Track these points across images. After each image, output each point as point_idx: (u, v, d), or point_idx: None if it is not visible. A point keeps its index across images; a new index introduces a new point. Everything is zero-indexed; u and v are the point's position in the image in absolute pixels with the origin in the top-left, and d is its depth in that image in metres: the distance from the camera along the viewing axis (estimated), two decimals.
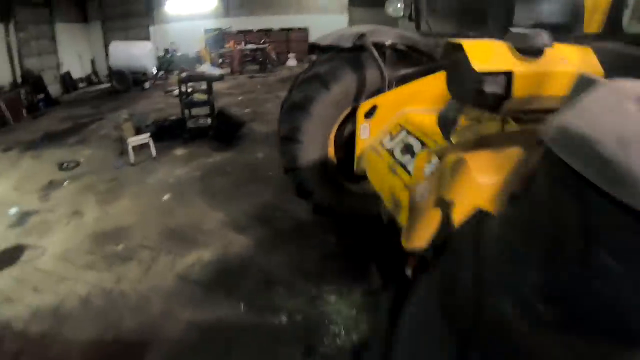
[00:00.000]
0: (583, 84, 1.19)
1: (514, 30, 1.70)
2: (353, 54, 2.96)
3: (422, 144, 2.26)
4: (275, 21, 16.08)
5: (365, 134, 2.58)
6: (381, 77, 2.82)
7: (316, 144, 3.23)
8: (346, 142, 3.28)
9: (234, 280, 3.31)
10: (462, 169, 1.95)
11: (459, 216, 2.03)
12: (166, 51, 15.97)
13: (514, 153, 2.09)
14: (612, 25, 2.19)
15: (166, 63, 15.45)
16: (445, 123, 1.89)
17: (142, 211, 4.55)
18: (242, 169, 5.55)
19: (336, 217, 3.54)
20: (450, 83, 1.79)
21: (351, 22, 14.34)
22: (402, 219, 2.13)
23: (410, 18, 3.46)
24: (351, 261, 3.43)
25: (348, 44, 2.90)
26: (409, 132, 2.41)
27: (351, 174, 3.28)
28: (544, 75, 1.68)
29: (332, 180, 3.41)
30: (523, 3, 2.61)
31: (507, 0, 2.65)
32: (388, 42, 2.94)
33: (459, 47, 1.62)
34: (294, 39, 16.12)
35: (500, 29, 2.73)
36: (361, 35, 2.86)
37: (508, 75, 1.62)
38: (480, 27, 2.98)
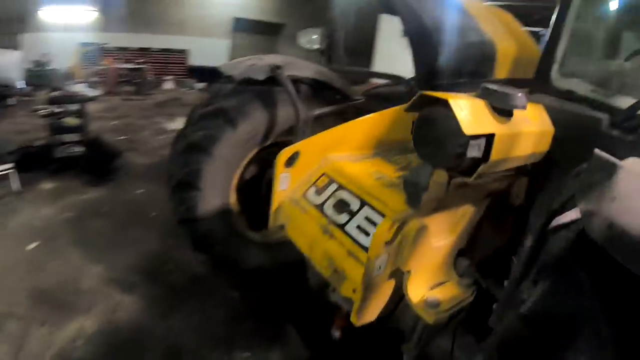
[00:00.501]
0: (600, 165, 1.05)
1: (489, 86, 1.54)
2: (264, 87, 2.60)
3: (362, 202, 1.99)
4: (155, 40, 14.80)
5: (285, 184, 2.22)
6: (296, 115, 2.52)
7: (217, 190, 2.77)
8: (251, 187, 2.88)
9: (130, 356, 2.65)
10: (423, 236, 1.74)
11: (412, 285, 1.81)
12: (36, 63, 13.37)
13: (465, 211, 1.97)
14: (542, 79, 2.25)
15: (36, 77, 12.92)
16: (416, 189, 1.64)
17: (3, 266, 3.51)
18: (122, 208, 4.74)
19: (241, 272, 3.06)
20: (422, 142, 1.55)
21: (234, 48, 13.90)
22: (346, 289, 1.82)
23: (322, 52, 3.24)
24: (263, 321, 3.00)
25: (261, 76, 2.53)
26: (341, 186, 2.12)
27: (257, 224, 2.89)
28: (515, 136, 1.56)
29: (235, 231, 2.95)
30: (446, 49, 2.59)
31: (432, 47, 2.60)
32: (304, 77, 2.66)
33: (441, 102, 1.39)
34: (172, 60, 14.97)
35: (424, 74, 2.69)
36: (276, 67, 2.51)
37: (489, 137, 1.45)
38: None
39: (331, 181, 2.19)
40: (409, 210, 1.74)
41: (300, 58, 2.76)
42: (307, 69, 2.70)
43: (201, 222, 2.76)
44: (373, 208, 1.95)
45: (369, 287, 1.70)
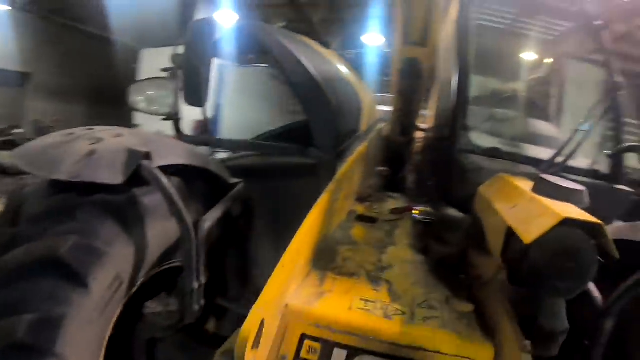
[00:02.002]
0: None
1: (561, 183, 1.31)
2: (115, 193, 1.34)
3: None
4: None
5: None
6: (182, 226, 1.41)
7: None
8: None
9: None
10: None
11: None
12: None
13: None
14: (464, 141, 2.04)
15: None
16: (555, 335, 1.24)
17: None
18: None
19: None
20: (556, 275, 1.13)
21: None
22: None
23: (172, 118, 1.99)
24: None
25: (118, 177, 1.27)
26: (353, 350, 1.29)
27: None
28: None
29: None
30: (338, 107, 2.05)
31: (326, 106, 2.00)
32: (174, 165, 1.53)
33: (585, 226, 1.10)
34: None
35: (330, 140, 2.05)
36: (143, 157, 1.32)
37: None
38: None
39: (328, 346, 1.30)
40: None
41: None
42: (178, 152, 1.58)
43: None
44: None
45: None
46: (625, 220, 1.89)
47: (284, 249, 2.15)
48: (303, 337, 1.32)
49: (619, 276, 1.25)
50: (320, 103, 2.04)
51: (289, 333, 1.32)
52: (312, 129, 2.05)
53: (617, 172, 1.99)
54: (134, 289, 1.43)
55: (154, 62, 11.03)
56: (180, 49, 2.29)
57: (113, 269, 1.28)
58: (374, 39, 10.34)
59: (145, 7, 9.39)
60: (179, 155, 1.59)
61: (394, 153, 3.21)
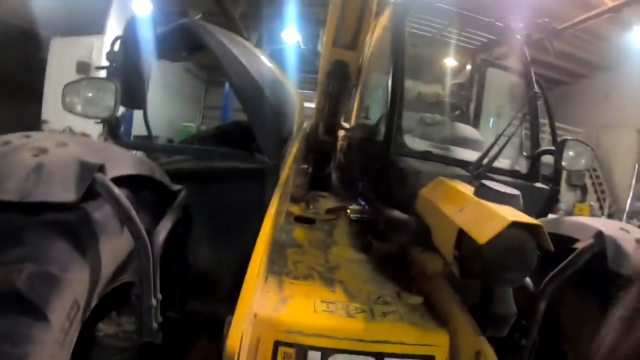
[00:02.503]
0: None
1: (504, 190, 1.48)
2: (69, 212, 1.21)
3: (380, 355, 1.38)
4: None
5: None
6: (139, 241, 1.34)
7: None
8: None
9: None
10: None
11: None
12: None
13: None
14: (398, 145, 2.15)
15: None
16: (507, 318, 1.46)
17: None
18: None
19: None
20: (504, 268, 1.30)
21: None
22: None
23: (108, 121, 1.78)
24: None
25: (71, 193, 1.15)
26: (326, 350, 1.36)
27: None
28: None
29: None
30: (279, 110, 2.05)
31: (268, 109, 2.00)
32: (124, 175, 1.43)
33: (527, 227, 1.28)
34: None
35: (273, 143, 2.05)
36: (97, 169, 1.22)
37: None
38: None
39: (302, 350, 1.36)
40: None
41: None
42: (127, 162, 1.47)
43: None
44: (398, 355, 1.43)
45: None
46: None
47: (226, 253, 2.15)
48: (277, 344, 1.35)
49: (546, 265, 1.47)
50: (263, 107, 2.05)
51: (263, 342, 1.34)
52: (256, 133, 2.04)
53: (534, 171, 2.26)
54: (88, 313, 1.33)
55: (63, 52, 9.93)
56: (106, 40, 2.11)
57: (70, 295, 1.15)
58: (291, 35, 10.38)
59: None
60: (129, 165, 1.50)
61: (318, 151, 3.28)
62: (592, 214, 12.17)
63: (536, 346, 1.50)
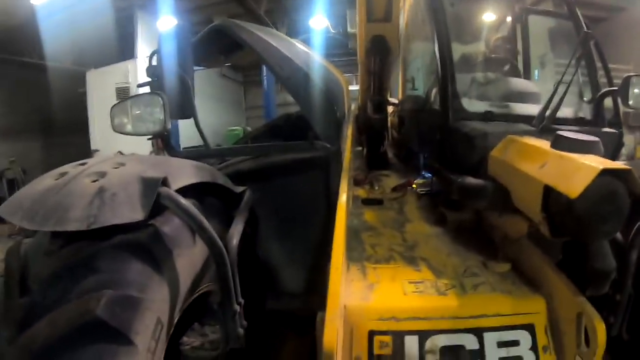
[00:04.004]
0: None
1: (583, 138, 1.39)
2: (138, 230, 1.21)
3: (475, 330, 1.34)
4: None
5: None
6: (214, 249, 1.32)
7: None
8: None
9: None
10: None
11: None
12: None
13: None
14: (456, 109, 2.06)
15: None
16: (607, 274, 1.35)
17: None
18: None
19: None
20: (599, 219, 1.23)
21: None
22: None
23: (160, 134, 1.82)
24: None
25: (138, 212, 1.14)
26: (423, 333, 1.31)
27: None
28: None
29: None
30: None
31: (318, 96, 1.96)
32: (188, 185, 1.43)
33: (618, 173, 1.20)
34: None
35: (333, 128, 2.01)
36: (161, 183, 1.21)
37: None
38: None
39: (399, 337, 1.30)
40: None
41: None
42: (188, 171, 1.47)
43: None
44: (497, 329, 1.35)
45: None
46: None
47: (296, 247, 2.13)
48: (371, 334, 1.31)
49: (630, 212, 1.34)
50: (315, 94, 2.01)
51: (356, 334, 1.31)
52: (312, 121, 2.01)
53: (599, 116, 2.11)
54: (172, 329, 1.32)
55: (100, 82, 10.43)
56: (139, 63, 2.13)
57: (153, 315, 1.14)
58: (319, 21, 10.28)
59: (81, 29, 8.89)
60: (190, 173, 1.49)
61: (370, 131, 3.21)
62: None
63: (632, 300, 1.40)
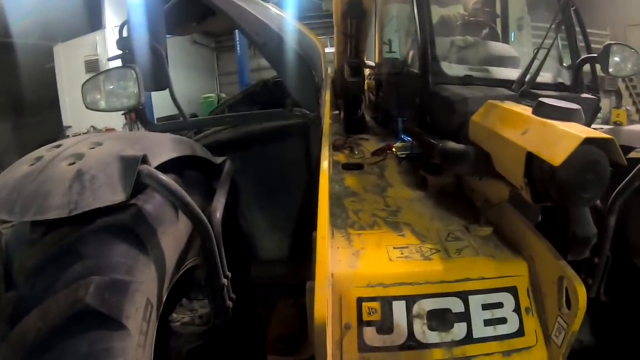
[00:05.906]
0: None
1: (557, 103, 1.39)
2: (120, 212, 1.17)
3: (460, 294, 1.39)
4: None
5: None
6: (199, 224, 1.29)
7: None
8: None
9: None
10: None
11: None
12: None
13: None
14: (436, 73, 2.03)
15: None
16: (588, 240, 1.38)
17: None
18: None
19: None
20: (582, 187, 1.25)
21: None
22: None
23: (135, 108, 1.73)
24: None
25: (120, 193, 1.11)
26: (410, 298, 1.34)
27: None
28: None
29: None
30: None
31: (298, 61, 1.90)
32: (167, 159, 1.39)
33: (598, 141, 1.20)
34: None
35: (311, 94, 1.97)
36: (140, 161, 1.16)
37: None
38: None
39: (386, 302, 1.33)
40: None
41: None
42: (167, 146, 1.42)
43: None
44: (481, 291, 1.40)
45: None
46: None
47: (279, 213, 2.13)
48: (359, 300, 1.34)
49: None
50: (292, 59, 1.96)
51: (345, 301, 1.33)
52: (290, 87, 1.97)
53: (578, 82, 2.12)
54: (162, 308, 1.32)
55: (68, 55, 9.93)
56: (108, 34, 2.02)
57: (142, 297, 1.12)
58: None
59: (46, 1, 8.31)
60: (169, 148, 1.43)
61: (347, 95, 3.17)
62: (629, 118, 11.64)
63: (609, 263, 1.45)
